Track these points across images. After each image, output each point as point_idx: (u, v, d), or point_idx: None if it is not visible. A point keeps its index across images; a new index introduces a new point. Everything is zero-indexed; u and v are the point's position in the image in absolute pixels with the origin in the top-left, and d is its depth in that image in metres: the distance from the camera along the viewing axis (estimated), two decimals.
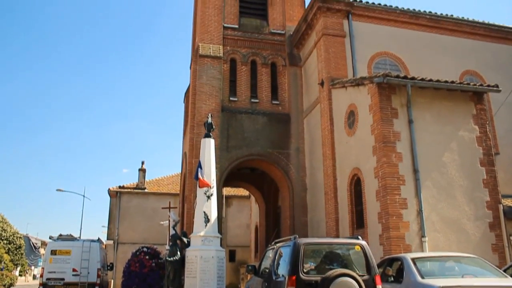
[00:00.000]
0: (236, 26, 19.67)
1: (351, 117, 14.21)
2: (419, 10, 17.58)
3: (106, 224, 32.95)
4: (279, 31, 20.04)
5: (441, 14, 17.81)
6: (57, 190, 35.33)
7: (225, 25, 19.51)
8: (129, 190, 32.45)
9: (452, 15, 17.96)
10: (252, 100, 18.81)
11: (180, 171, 23.11)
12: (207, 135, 14.72)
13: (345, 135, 14.60)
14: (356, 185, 13.75)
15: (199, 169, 14.09)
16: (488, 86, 13.24)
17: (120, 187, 32.53)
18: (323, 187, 15.96)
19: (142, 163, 33.47)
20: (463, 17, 18.10)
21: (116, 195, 32.01)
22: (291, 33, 19.73)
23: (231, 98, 18.57)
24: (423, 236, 11.26)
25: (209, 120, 15.00)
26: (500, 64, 17.83)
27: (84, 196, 36.65)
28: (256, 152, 17.99)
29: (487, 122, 13.08)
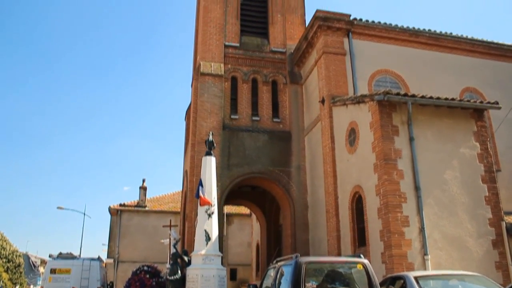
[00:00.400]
0: (237, 45, 19.82)
1: (352, 135, 14.22)
2: (419, 28, 17.71)
3: (107, 242, 32.80)
4: (280, 50, 20.18)
5: (441, 32, 17.94)
6: (58, 207, 35.20)
7: (226, 43, 19.66)
8: (130, 208, 32.37)
9: (451, 33, 18.08)
10: (253, 118, 18.85)
11: (181, 189, 23.06)
12: (208, 153, 14.74)
13: (346, 153, 14.59)
14: (358, 202, 13.69)
15: (200, 187, 14.07)
16: (488, 103, 13.28)
17: (121, 205, 32.45)
18: (325, 205, 15.90)
19: (143, 181, 33.46)
20: (462, 35, 18.22)
21: (116, 213, 31.92)
22: (292, 51, 19.86)
23: (232, 116, 18.62)
24: (425, 254, 11.17)
25: (210, 138, 15.02)
26: (500, 81, 17.91)
27: (84, 214, 36.49)
28: (257, 170, 17.97)
29: (488, 139, 13.08)
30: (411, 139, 12.10)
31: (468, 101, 13.13)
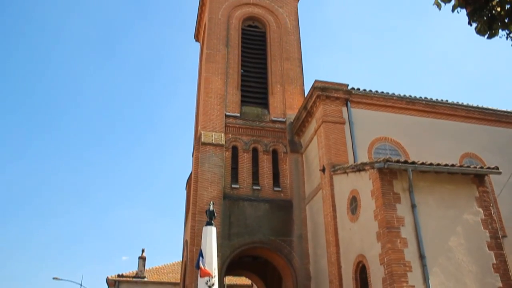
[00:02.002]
0: (238, 114, 20.18)
1: (354, 203, 14.14)
2: (415, 96, 18.09)
3: None
4: (280, 119, 20.51)
5: (437, 99, 18.32)
6: (54, 278, 34.31)
7: (227, 113, 20.02)
8: (128, 278, 31.56)
9: (447, 100, 18.46)
10: (254, 187, 18.83)
11: (181, 260, 22.61)
12: (209, 223, 14.57)
13: (348, 221, 14.43)
14: (362, 272, 13.36)
15: (200, 257, 13.79)
16: (488, 168, 13.31)
17: (119, 275, 31.67)
18: (328, 275, 15.51)
19: (142, 250, 32.85)
20: (457, 102, 18.59)
21: (114, 284, 31.06)
22: (292, 121, 20.16)
23: (233, 185, 18.60)
24: None
25: (211, 207, 14.92)
26: (498, 146, 18.06)
27: (81, 285, 35.49)
28: (258, 240, 17.70)
29: (491, 204, 12.99)
30: (413, 206, 12.01)
31: (468, 166, 13.18)
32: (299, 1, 24.94)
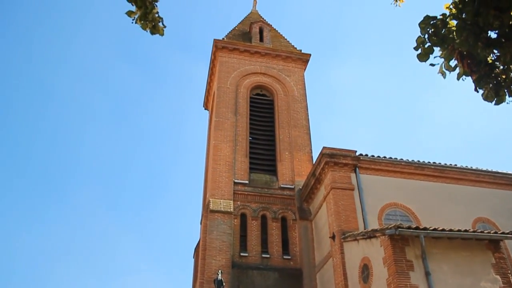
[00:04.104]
0: (247, 182, 20.18)
1: (365, 271, 13.75)
2: (424, 161, 18.05)
3: None
4: (288, 186, 20.45)
5: (445, 164, 18.24)
6: None
7: (236, 180, 20.03)
8: None
9: (456, 165, 18.37)
10: (263, 255, 18.47)
11: None
12: None
13: None
14: None
15: None
16: (503, 233, 13.00)
17: None
18: None
19: None
20: (467, 166, 18.49)
21: None
22: (300, 188, 20.08)
23: (241, 253, 18.27)
24: None
25: (219, 276, 14.62)
26: (510, 210, 17.72)
27: None
28: None
29: (509, 271, 12.56)
30: (427, 274, 11.64)
31: (482, 232, 12.89)
32: (306, 69, 25.62)
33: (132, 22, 5.51)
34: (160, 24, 5.66)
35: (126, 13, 5.45)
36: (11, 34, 57.25)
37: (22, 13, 58.38)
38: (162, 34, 5.70)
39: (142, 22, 5.52)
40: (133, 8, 5.51)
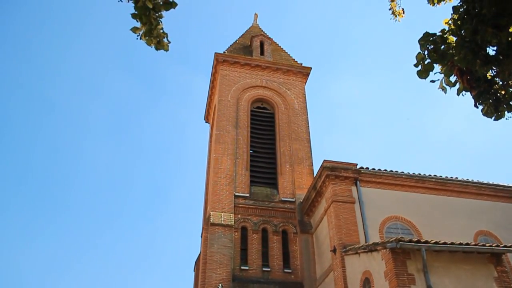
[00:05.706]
0: (247, 195, 20.18)
1: (367, 285, 13.71)
2: (424, 174, 18.06)
3: None
4: (289, 199, 20.45)
5: (446, 177, 18.25)
6: None
7: (236, 193, 20.04)
8: None
9: (457, 178, 18.37)
10: (264, 268, 18.42)
11: None
12: None
13: None
14: None
15: None
16: (505, 246, 12.97)
17: None
18: None
19: None
20: (468, 179, 18.48)
21: None
22: (301, 201, 20.07)
23: (242, 267, 18.22)
24: None
25: None
26: None
27: None
28: None
29: (511, 285, 12.52)
30: None
31: (484, 245, 12.85)
32: (307, 83, 25.75)
33: (137, 38, 5.56)
34: (165, 39, 5.72)
35: (131, 30, 5.52)
36: (10, 43, 57.49)
37: (22, 25, 58.73)
38: (167, 50, 5.76)
39: (147, 38, 5.59)
40: (138, 24, 5.57)
